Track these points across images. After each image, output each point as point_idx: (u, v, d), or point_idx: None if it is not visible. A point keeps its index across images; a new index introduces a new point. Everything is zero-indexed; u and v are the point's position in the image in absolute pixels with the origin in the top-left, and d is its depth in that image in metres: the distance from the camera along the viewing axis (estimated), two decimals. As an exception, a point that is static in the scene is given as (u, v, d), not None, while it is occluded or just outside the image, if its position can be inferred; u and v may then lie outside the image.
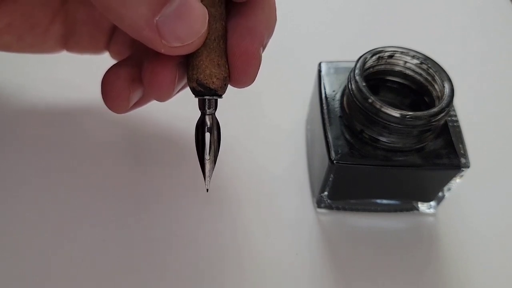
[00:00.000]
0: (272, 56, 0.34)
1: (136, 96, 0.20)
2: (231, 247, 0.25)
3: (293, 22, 0.37)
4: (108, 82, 0.19)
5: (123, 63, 0.20)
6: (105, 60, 0.23)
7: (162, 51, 0.16)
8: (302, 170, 0.28)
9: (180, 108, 0.26)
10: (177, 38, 0.15)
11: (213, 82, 0.17)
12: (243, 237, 0.26)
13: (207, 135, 0.18)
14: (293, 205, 0.27)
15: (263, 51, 0.18)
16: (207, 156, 0.18)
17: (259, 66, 0.18)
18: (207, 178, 0.19)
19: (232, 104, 0.31)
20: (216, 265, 0.25)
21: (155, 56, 0.17)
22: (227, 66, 0.18)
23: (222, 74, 0.17)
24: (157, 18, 0.15)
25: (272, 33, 0.19)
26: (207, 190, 0.19)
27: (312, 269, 0.25)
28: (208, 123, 0.18)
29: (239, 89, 0.19)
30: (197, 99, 0.18)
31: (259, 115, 0.31)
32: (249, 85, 0.18)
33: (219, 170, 0.28)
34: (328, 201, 0.26)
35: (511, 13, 0.38)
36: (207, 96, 0.18)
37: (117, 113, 0.20)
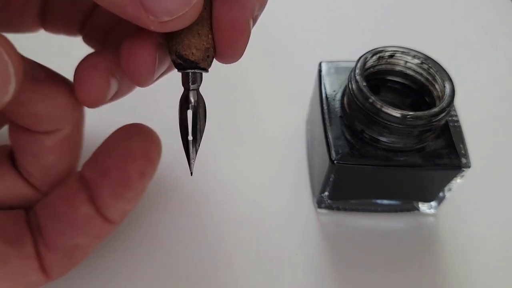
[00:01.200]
0: (273, 56, 0.34)
1: (113, 89, 0.18)
2: (231, 247, 0.25)
3: (293, 22, 0.37)
4: (84, 74, 0.17)
5: (100, 53, 0.18)
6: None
7: (152, 28, 0.14)
8: (302, 170, 0.28)
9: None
10: (165, 11, 0.14)
11: (192, 54, 0.16)
12: (243, 238, 0.25)
13: (190, 112, 0.17)
14: (293, 205, 0.27)
15: (253, 24, 0.17)
16: (190, 136, 0.17)
17: (248, 40, 0.16)
18: (191, 161, 0.17)
19: (231, 104, 0.31)
20: (216, 266, 0.24)
21: (133, 37, 0.16)
22: (210, 36, 0.16)
23: (203, 44, 0.16)
24: None
25: (265, 6, 0.17)
26: (191, 173, 0.17)
27: (312, 269, 0.25)
28: (192, 100, 0.17)
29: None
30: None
31: (259, 115, 0.31)
32: (236, 60, 0.17)
33: (220, 170, 0.28)
34: (329, 201, 0.26)
35: (511, 13, 0.38)
36: (190, 70, 0.16)
37: (90, 107, 0.18)
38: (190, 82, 0.16)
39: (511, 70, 0.35)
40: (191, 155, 0.17)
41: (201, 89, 0.17)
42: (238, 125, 0.30)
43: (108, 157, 0.18)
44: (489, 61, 0.35)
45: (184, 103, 0.17)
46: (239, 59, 0.17)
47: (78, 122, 0.19)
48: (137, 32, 0.16)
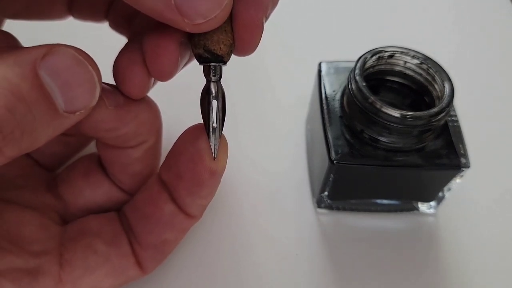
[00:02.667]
0: (273, 56, 0.34)
1: (152, 80, 0.20)
2: (231, 247, 0.25)
3: (293, 22, 0.37)
4: (125, 70, 0.18)
5: (132, 47, 0.19)
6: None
7: (187, 29, 0.16)
8: (302, 170, 0.28)
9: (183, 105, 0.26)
10: (199, 14, 0.15)
11: (220, 49, 0.17)
12: (243, 238, 0.26)
13: (213, 102, 0.18)
14: (293, 205, 0.27)
15: (265, 21, 0.18)
16: (213, 124, 0.18)
17: (261, 36, 0.18)
18: (213, 146, 0.19)
19: (232, 104, 0.31)
20: (216, 266, 0.24)
21: (156, 36, 0.17)
22: (232, 33, 0.17)
23: (228, 40, 0.17)
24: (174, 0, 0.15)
25: (277, 4, 0.19)
26: (214, 158, 0.19)
27: (312, 269, 0.25)
28: (213, 90, 0.18)
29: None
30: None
31: (259, 115, 0.31)
32: (251, 53, 0.18)
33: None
34: (328, 201, 0.26)
35: (511, 13, 0.38)
36: (213, 63, 0.18)
37: (135, 99, 0.19)
38: (212, 74, 0.18)
39: (510, 70, 0.35)
40: (213, 141, 0.19)
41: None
42: (238, 124, 0.30)
43: (179, 160, 0.19)
44: (488, 61, 0.35)
45: (206, 94, 0.18)
46: (254, 51, 0.18)
47: (160, 131, 0.21)
48: (160, 30, 0.17)
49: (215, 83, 0.18)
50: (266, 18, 0.18)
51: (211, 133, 0.18)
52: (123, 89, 0.19)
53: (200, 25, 0.16)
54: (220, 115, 0.18)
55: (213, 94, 0.18)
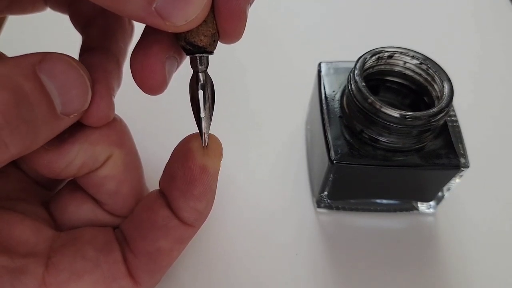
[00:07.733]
0: (273, 56, 0.34)
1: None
2: (231, 247, 0.25)
3: (293, 22, 0.37)
4: (145, 64, 0.18)
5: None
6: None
7: (169, 30, 0.16)
8: (302, 170, 0.28)
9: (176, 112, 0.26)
10: (180, 17, 0.16)
11: (200, 40, 0.17)
12: (243, 237, 0.26)
13: (201, 92, 0.18)
14: (293, 205, 0.27)
15: (249, 7, 0.18)
16: (202, 113, 0.18)
17: (245, 24, 0.18)
18: (204, 135, 0.19)
19: (231, 104, 0.31)
20: (215, 265, 0.25)
21: (141, 60, 0.18)
22: (214, 22, 0.17)
23: (209, 31, 0.17)
24: (154, 6, 0.15)
25: None
26: (205, 147, 0.19)
27: (312, 269, 0.25)
28: (201, 79, 0.18)
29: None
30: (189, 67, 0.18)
31: (259, 115, 0.31)
32: (237, 41, 0.19)
33: (220, 170, 0.28)
34: (328, 201, 0.26)
35: (511, 13, 0.38)
36: (198, 54, 0.18)
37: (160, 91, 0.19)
38: (198, 64, 0.18)
39: (509, 70, 0.35)
40: (203, 130, 0.19)
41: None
42: (238, 125, 0.30)
43: (172, 162, 0.20)
44: (488, 61, 0.35)
45: (194, 83, 0.18)
46: (239, 39, 0.18)
47: (125, 143, 0.20)
48: (144, 49, 0.18)
49: (203, 72, 0.18)
50: (250, 4, 0.18)
51: (202, 121, 0.19)
52: (144, 87, 0.19)
53: (182, 26, 0.16)
54: (209, 104, 0.19)
55: (201, 83, 0.18)
